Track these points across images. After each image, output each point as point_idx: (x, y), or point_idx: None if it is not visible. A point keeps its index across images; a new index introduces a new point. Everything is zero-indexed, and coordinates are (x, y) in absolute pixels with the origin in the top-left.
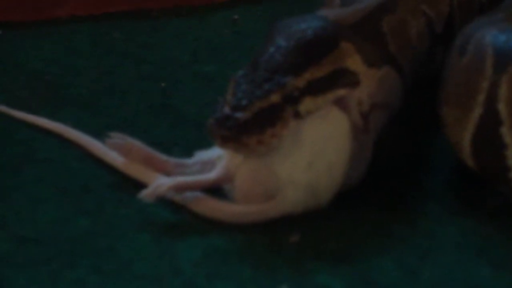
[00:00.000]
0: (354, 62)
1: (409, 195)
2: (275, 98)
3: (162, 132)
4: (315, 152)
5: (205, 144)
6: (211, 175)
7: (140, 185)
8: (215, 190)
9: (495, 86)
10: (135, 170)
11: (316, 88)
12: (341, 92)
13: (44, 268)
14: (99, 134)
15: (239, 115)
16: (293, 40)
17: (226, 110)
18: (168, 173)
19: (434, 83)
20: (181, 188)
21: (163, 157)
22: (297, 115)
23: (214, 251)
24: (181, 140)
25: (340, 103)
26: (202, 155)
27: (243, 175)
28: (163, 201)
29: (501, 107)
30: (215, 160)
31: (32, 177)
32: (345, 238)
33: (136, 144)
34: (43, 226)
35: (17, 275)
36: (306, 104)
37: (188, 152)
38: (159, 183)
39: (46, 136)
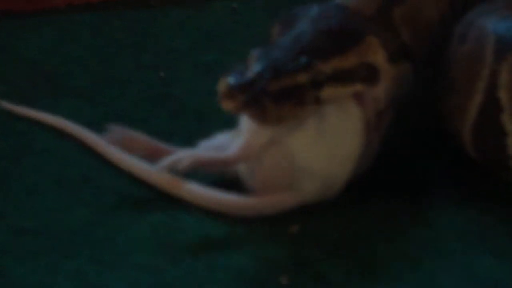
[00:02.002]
0: (378, 58)
1: (410, 184)
2: (302, 78)
3: (161, 122)
4: (335, 143)
5: (205, 133)
6: (232, 152)
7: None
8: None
9: (496, 73)
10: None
11: (339, 78)
12: (359, 86)
13: (43, 259)
14: (98, 124)
15: (267, 84)
16: (319, 26)
17: (251, 74)
18: None
19: None
20: (201, 164)
21: (167, 147)
22: (317, 101)
23: (214, 242)
24: (181, 130)
25: (358, 99)
26: (206, 144)
27: (265, 165)
28: (162, 193)
29: (502, 94)
30: (230, 139)
31: (31, 168)
32: (346, 228)
33: (137, 136)
34: (41, 217)
35: (16, 266)
36: (328, 91)
37: (188, 141)
38: (179, 156)
39: (44, 127)
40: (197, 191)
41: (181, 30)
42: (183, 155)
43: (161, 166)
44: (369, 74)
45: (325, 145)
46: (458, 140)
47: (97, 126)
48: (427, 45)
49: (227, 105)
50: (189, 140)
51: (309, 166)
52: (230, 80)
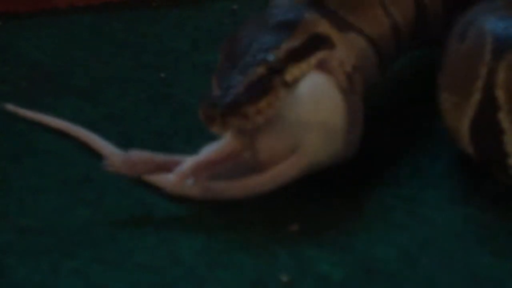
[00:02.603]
0: (324, 27)
1: (409, 183)
2: (261, 70)
3: (162, 122)
4: (317, 99)
5: (206, 133)
6: (228, 141)
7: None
8: None
9: (493, 72)
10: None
11: (296, 56)
12: (321, 54)
13: (45, 258)
14: (99, 123)
15: (232, 91)
16: (261, 26)
17: (217, 92)
18: None
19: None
20: (204, 165)
21: (171, 157)
22: (285, 84)
23: (214, 241)
24: (181, 130)
25: (324, 67)
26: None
27: (263, 138)
28: (163, 193)
29: (499, 93)
30: None
31: (33, 168)
32: (345, 227)
33: (139, 155)
34: (44, 216)
35: (18, 265)
36: (291, 72)
37: (188, 141)
38: (180, 169)
39: (45, 127)
40: (221, 186)
41: (181, 31)
42: (184, 165)
43: (169, 190)
44: (322, 41)
45: (309, 103)
46: (455, 138)
47: (97, 126)
48: (390, 33)
49: (214, 128)
50: (189, 140)
51: (306, 120)
52: (203, 105)
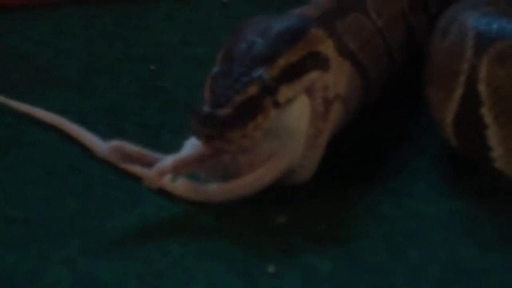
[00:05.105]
0: (326, 47)
1: (397, 175)
2: (253, 90)
3: (151, 114)
4: (299, 105)
5: None
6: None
7: None
8: None
9: (476, 67)
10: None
11: (290, 74)
12: (314, 74)
13: (33, 248)
14: (89, 116)
15: (220, 112)
16: (264, 34)
17: (207, 108)
18: None
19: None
20: (184, 163)
21: (156, 155)
22: (277, 105)
23: (201, 232)
24: (170, 122)
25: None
26: (191, 142)
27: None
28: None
29: (481, 88)
30: None
31: (20, 159)
32: (333, 219)
33: (133, 149)
34: (32, 207)
35: (7, 254)
36: (284, 92)
37: (177, 134)
38: (162, 164)
39: (33, 119)
40: (214, 189)
41: (171, 24)
42: (164, 162)
43: (147, 185)
44: (319, 61)
45: (294, 111)
46: (441, 131)
47: (87, 118)
48: (385, 60)
49: (205, 144)
50: (178, 132)
51: (292, 127)
52: (194, 117)
